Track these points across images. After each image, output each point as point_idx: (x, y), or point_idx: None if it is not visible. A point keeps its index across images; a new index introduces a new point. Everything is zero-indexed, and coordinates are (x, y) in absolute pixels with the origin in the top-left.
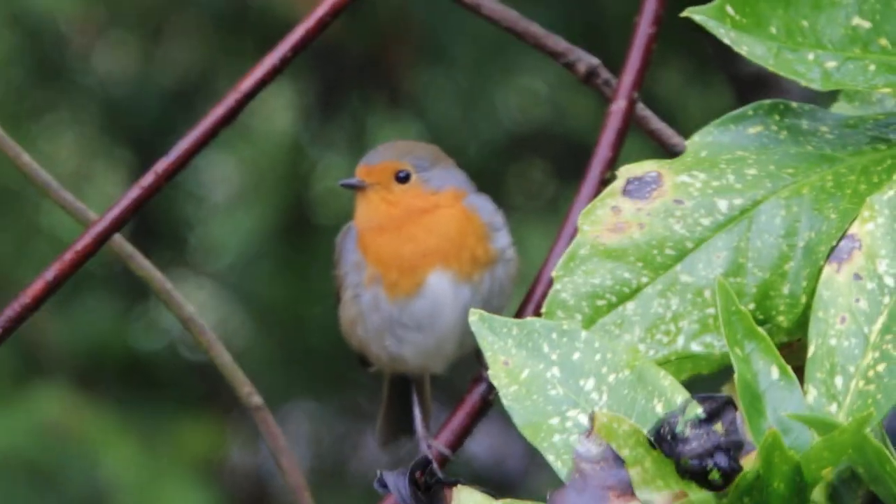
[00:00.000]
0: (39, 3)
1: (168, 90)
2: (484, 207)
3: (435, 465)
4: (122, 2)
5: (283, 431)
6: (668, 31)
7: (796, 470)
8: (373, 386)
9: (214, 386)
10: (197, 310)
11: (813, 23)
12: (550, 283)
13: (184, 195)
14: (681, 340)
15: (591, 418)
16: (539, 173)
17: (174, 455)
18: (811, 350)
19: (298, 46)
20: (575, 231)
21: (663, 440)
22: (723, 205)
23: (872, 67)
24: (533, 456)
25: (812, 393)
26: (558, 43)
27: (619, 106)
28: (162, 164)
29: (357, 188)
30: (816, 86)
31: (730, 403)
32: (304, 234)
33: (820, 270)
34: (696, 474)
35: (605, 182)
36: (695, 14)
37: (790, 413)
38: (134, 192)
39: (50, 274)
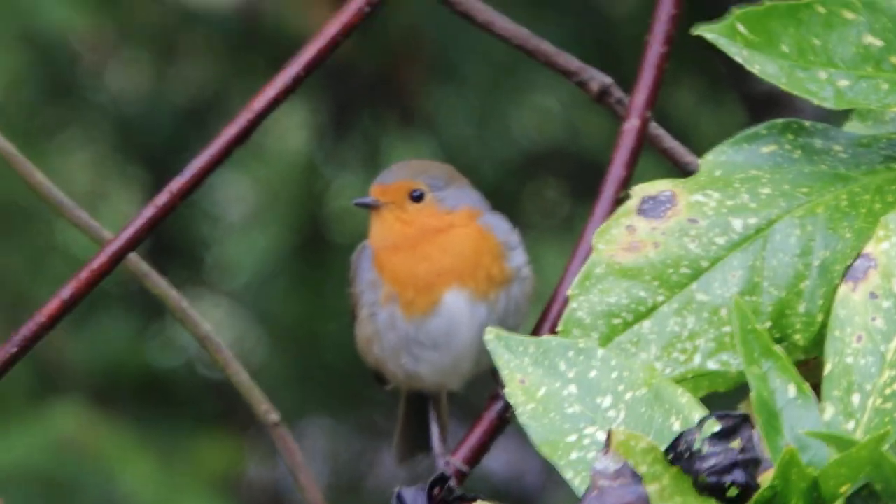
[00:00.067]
0: (51, 21)
1: (181, 108)
2: (499, 226)
3: (452, 482)
4: (134, 20)
5: (300, 448)
6: (680, 50)
7: (814, 487)
8: (389, 403)
9: (231, 403)
10: (213, 328)
11: (825, 41)
12: (566, 301)
13: (199, 214)
14: (697, 358)
15: (609, 436)
16: (553, 192)
17: (192, 472)
18: (828, 368)
19: (311, 65)
20: (590, 250)
21: (681, 457)
22: (737, 224)
23: (885, 86)
24: (551, 472)
25: (829, 411)
26: (570, 61)
27: (632, 125)
28: (176, 184)
29: (371, 207)
30: (829, 104)
31: (747, 421)
32: (318, 253)
33: (835, 289)
34: (713, 491)
35: (619, 201)
36: (706, 32)
37: (807, 430)
38: (149, 211)
39: (66, 292)
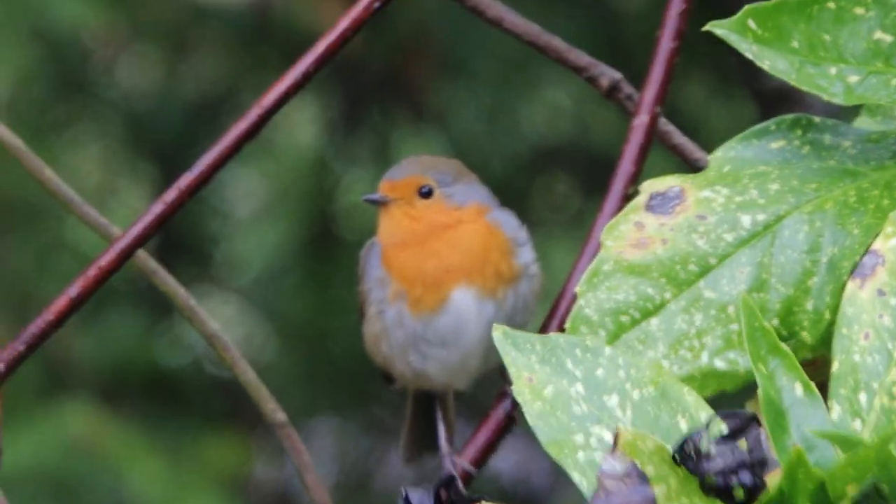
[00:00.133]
0: (63, 16)
1: (192, 104)
2: (508, 223)
3: (459, 482)
4: (145, 16)
5: (307, 447)
6: (691, 45)
7: (820, 487)
8: (397, 402)
9: (239, 402)
10: (222, 325)
11: (835, 37)
12: (574, 298)
13: (208, 210)
14: (705, 357)
15: (616, 435)
16: (563, 187)
17: (199, 471)
18: (835, 366)
19: (321, 61)
20: (598, 246)
21: (688, 457)
22: (746, 220)
23: (895, 82)
24: (559, 472)
25: (836, 410)
26: (580, 57)
27: (641, 121)
28: (185, 180)
29: (380, 203)
30: (839, 100)
31: (754, 420)
32: (328, 249)
33: (843, 286)
34: (720, 491)
35: (628, 197)
36: (717, 28)
37: (814, 430)
38: (157, 208)
39: (73, 290)
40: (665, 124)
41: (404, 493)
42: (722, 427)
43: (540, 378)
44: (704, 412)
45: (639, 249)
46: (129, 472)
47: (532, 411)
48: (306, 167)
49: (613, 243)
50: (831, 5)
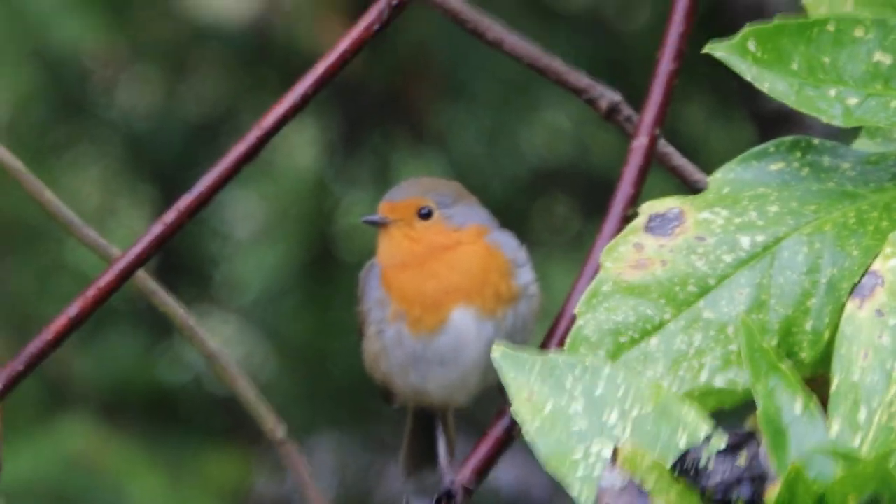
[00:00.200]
0: (63, 37)
1: (191, 125)
2: (507, 244)
3: (458, 499)
4: (144, 36)
5: (307, 464)
6: (690, 67)
7: (820, 502)
8: (397, 418)
9: (240, 419)
10: (222, 345)
11: (834, 59)
12: (573, 319)
13: (208, 232)
14: (704, 375)
15: (615, 451)
16: (563, 209)
17: (200, 488)
18: (834, 385)
19: (320, 83)
20: (598, 267)
21: (687, 472)
22: (745, 241)
23: (894, 103)
24: (558, 487)
25: (835, 427)
26: (580, 79)
27: (640, 142)
28: (184, 201)
29: (380, 225)
30: (838, 122)
31: (753, 436)
32: (327, 270)
33: (842, 307)
34: None
35: (627, 219)
36: (716, 50)
37: (814, 446)
38: (157, 229)
39: (73, 310)
40: (664, 146)
41: None
42: (721, 442)
43: (539, 397)
44: (704, 429)
45: (638, 270)
46: (129, 488)
47: (531, 430)
48: (306, 189)
49: (613, 264)
50: (831, 27)
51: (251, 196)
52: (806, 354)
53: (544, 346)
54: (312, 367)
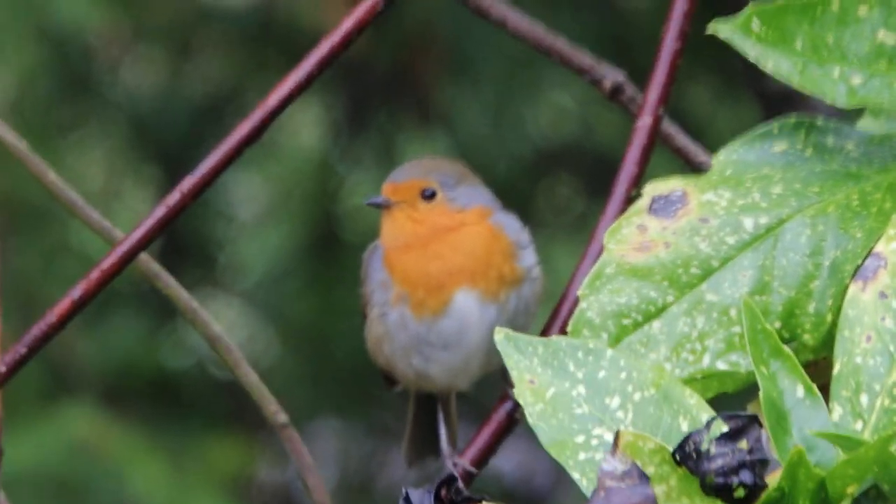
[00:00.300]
0: (67, 17)
1: (196, 105)
2: (510, 225)
3: (460, 483)
4: (150, 16)
5: (309, 449)
6: (695, 47)
7: (821, 487)
8: (399, 404)
9: (243, 404)
10: (225, 328)
11: (838, 38)
12: (576, 301)
13: (211, 213)
14: (706, 359)
15: (617, 436)
16: (567, 190)
17: (202, 473)
18: (837, 368)
19: (324, 62)
20: (601, 249)
21: (688, 457)
22: (748, 223)
23: None
24: (561, 473)
25: (837, 411)
26: (584, 59)
27: (644, 122)
28: (188, 183)
29: (383, 206)
30: (842, 102)
31: (755, 421)
32: (331, 252)
33: (845, 289)
34: (721, 491)
35: (630, 199)
36: (720, 30)
37: (815, 431)
38: (160, 211)
39: (76, 292)
40: (668, 126)
41: (405, 493)
42: (723, 427)
43: (542, 380)
44: (706, 414)
45: (641, 252)
46: (131, 473)
47: (534, 413)
48: (310, 169)
49: (616, 246)
50: (835, 7)
51: (254, 177)
52: (809, 337)
53: (547, 328)
54: (316, 350)
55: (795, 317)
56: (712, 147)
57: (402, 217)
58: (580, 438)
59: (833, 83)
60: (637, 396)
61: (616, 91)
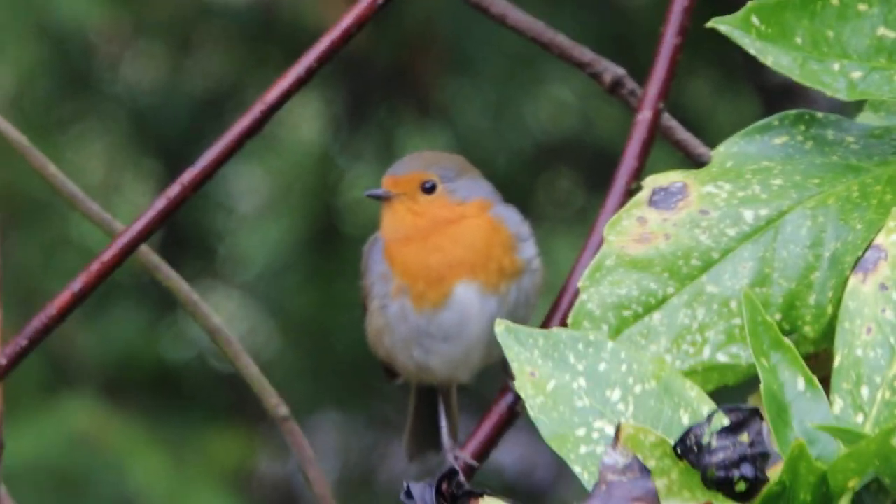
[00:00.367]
0: (68, 13)
1: (196, 100)
2: (511, 218)
3: (461, 476)
4: (149, 12)
5: (310, 442)
6: (695, 41)
7: (822, 480)
8: (400, 397)
9: (243, 396)
10: (225, 321)
11: (838, 33)
12: (577, 293)
13: (212, 206)
14: (707, 351)
15: (618, 429)
16: (567, 183)
17: (203, 465)
18: (837, 360)
19: (324, 57)
20: (601, 242)
21: (689, 451)
22: (749, 215)
23: None
24: (562, 466)
25: (838, 403)
26: (584, 53)
27: (644, 116)
28: (188, 175)
29: (383, 199)
30: (842, 96)
31: (756, 414)
32: (332, 245)
33: (846, 281)
34: (722, 485)
35: (630, 192)
36: (720, 24)
37: (816, 424)
38: (160, 203)
39: (76, 285)
40: (668, 120)
41: (406, 487)
42: (724, 420)
43: (542, 373)
44: (707, 406)
45: (641, 244)
46: (132, 466)
47: (534, 406)
48: (310, 163)
49: (616, 238)
50: (835, 1)
51: (255, 170)
52: (809, 329)
53: (548, 320)
54: (316, 343)
55: (796, 308)
56: (713, 141)
57: (402, 209)
58: (581, 431)
59: (833, 77)
60: (638, 389)
61: (616, 85)
